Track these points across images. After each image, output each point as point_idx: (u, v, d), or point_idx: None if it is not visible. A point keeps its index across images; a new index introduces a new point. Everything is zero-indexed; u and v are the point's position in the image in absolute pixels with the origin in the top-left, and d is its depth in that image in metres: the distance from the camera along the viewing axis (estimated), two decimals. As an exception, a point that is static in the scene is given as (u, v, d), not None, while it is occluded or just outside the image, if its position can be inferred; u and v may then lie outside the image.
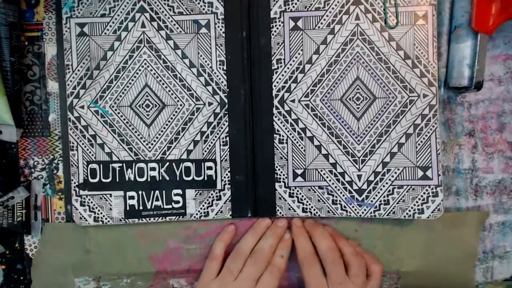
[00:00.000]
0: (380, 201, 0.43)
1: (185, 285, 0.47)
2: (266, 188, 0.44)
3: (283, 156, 0.44)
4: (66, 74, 0.44)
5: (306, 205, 0.44)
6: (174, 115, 0.44)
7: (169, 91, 0.44)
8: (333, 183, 0.44)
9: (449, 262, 0.46)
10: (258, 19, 0.43)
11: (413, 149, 0.43)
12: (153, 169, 0.44)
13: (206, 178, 0.44)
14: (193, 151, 0.44)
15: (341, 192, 0.44)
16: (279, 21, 0.43)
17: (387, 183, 0.43)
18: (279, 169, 0.44)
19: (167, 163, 0.44)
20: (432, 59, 0.42)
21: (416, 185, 0.43)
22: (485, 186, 0.46)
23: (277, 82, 0.44)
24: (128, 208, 0.44)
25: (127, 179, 0.44)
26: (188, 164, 0.44)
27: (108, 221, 0.44)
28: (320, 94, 0.43)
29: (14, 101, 0.43)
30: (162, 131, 0.44)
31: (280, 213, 0.44)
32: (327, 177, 0.44)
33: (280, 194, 0.44)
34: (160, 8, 0.43)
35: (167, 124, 0.44)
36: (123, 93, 0.44)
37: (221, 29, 0.43)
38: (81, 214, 0.44)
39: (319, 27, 0.43)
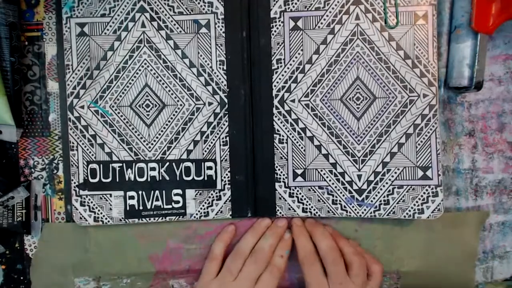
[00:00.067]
0: (380, 201, 0.43)
1: (185, 285, 0.47)
2: (266, 188, 0.44)
3: (283, 156, 0.44)
4: (66, 74, 0.44)
5: (306, 205, 0.44)
6: (174, 115, 0.44)
7: (169, 91, 0.44)
8: (333, 183, 0.44)
9: (449, 262, 0.45)
10: (258, 19, 0.43)
11: (413, 149, 0.43)
12: (153, 169, 0.44)
13: (206, 178, 0.44)
14: (193, 151, 0.44)
15: (341, 192, 0.44)
16: (279, 21, 0.43)
17: (387, 183, 0.43)
18: (279, 169, 0.44)
19: (167, 163, 0.44)
20: (432, 59, 0.42)
21: (416, 185, 0.43)
22: (485, 186, 0.46)
23: (277, 82, 0.44)
24: (128, 208, 0.44)
25: (127, 179, 0.44)
26: (188, 164, 0.44)
27: (108, 221, 0.44)
28: (320, 94, 0.43)
29: (14, 101, 0.43)
30: (162, 131, 0.44)
31: (280, 213, 0.44)
32: (327, 177, 0.44)
33: (280, 194, 0.44)
34: (160, 8, 0.43)
35: (167, 124, 0.44)
36: (123, 93, 0.44)
37: (221, 29, 0.43)
38: (81, 214, 0.44)
39: (319, 27, 0.43)
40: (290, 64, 0.43)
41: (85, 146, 0.44)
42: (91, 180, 0.44)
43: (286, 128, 0.44)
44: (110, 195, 0.44)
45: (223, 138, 0.44)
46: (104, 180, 0.44)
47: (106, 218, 0.44)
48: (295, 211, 0.44)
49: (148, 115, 0.44)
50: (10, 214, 0.45)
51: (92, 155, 0.44)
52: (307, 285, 0.42)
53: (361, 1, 0.43)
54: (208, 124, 0.44)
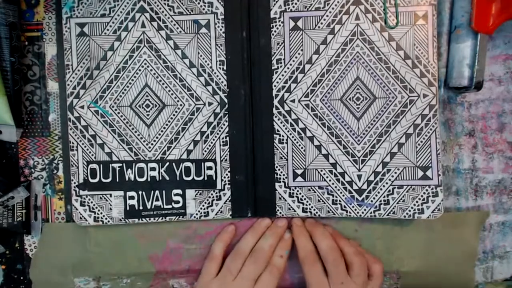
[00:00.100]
0: (380, 201, 0.43)
1: (185, 285, 0.47)
2: (266, 188, 0.44)
3: (283, 156, 0.44)
4: (66, 74, 0.44)
5: (306, 205, 0.44)
6: (174, 115, 0.44)
7: (169, 91, 0.44)
8: (333, 183, 0.44)
9: (449, 262, 0.45)
10: (258, 19, 0.43)
11: (413, 149, 0.43)
12: (153, 169, 0.44)
13: (206, 178, 0.44)
14: (193, 151, 0.44)
15: (341, 192, 0.44)
16: (279, 21, 0.43)
17: (387, 183, 0.43)
18: (279, 169, 0.44)
19: (167, 163, 0.44)
20: (432, 59, 0.42)
21: (416, 185, 0.43)
22: (485, 186, 0.46)
23: (277, 82, 0.44)
24: (128, 208, 0.44)
25: (127, 179, 0.44)
26: (188, 164, 0.44)
27: (108, 221, 0.44)
28: (320, 94, 0.43)
29: (14, 101, 0.43)
30: (162, 131, 0.44)
31: (280, 213, 0.44)
32: (327, 177, 0.44)
33: (280, 194, 0.44)
34: (160, 8, 0.43)
35: (167, 124, 0.44)
36: (123, 93, 0.44)
37: (221, 29, 0.43)
38: (81, 214, 0.44)
39: (319, 27, 0.43)
40: (290, 64, 0.43)
41: (85, 146, 0.44)
42: (91, 180, 0.44)
43: (286, 128, 0.44)
44: (110, 195, 0.44)
45: (223, 138, 0.44)
46: (104, 180, 0.44)
47: (106, 218, 0.44)
48: (295, 211, 0.44)
49: (148, 115, 0.44)
50: (10, 214, 0.45)
51: (92, 155, 0.44)
52: (308, 285, 0.42)
53: (361, 1, 0.43)
54: (208, 124, 0.44)
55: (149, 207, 0.44)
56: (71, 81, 0.44)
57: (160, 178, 0.44)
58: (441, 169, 0.43)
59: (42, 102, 0.46)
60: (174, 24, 0.44)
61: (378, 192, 0.43)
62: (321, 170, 0.44)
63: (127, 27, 0.44)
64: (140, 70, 0.44)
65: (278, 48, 0.43)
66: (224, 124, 0.44)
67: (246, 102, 0.44)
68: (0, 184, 0.44)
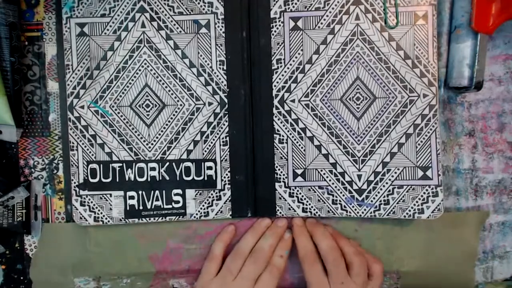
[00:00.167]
0: (380, 201, 0.43)
1: (185, 285, 0.47)
2: (266, 188, 0.44)
3: (283, 156, 0.44)
4: (66, 74, 0.44)
5: (306, 205, 0.44)
6: (174, 115, 0.44)
7: (169, 91, 0.44)
8: (333, 183, 0.44)
9: (449, 262, 0.45)
10: (258, 19, 0.43)
11: (413, 149, 0.43)
12: (153, 169, 0.44)
13: (206, 178, 0.44)
14: (193, 151, 0.44)
15: (341, 192, 0.44)
16: (279, 21, 0.43)
17: (387, 183, 0.43)
18: (279, 169, 0.44)
19: (167, 163, 0.44)
20: (432, 59, 0.42)
21: (416, 185, 0.43)
22: (485, 186, 0.46)
23: (277, 82, 0.44)
24: (128, 208, 0.44)
25: (127, 179, 0.44)
26: (188, 164, 0.44)
27: (108, 221, 0.44)
28: (320, 94, 0.43)
29: (14, 101, 0.43)
30: (162, 131, 0.44)
31: (280, 213, 0.44)
32: (327, 177, 0.44)
33: (280, 194, 0.44)
34: (160, 8, 0.43)
35: (167, 124, 0.44)
36: (123, 93, 0.44)
37: (221, 29, 0.43)
38: (81, 214, 0.44)
39: (319, 27, 0.43)
40: (290, 64, 0.43)
41: (85, 146, 0.44)
42: (91, 180, 0.44)
43: (286, 128, 0.44)
44: (110, 195, 0.44)
45: (223, 138, 0.44)
46: (104, 180, 0.44)
47: (106, 218, 0.44)
48: (295, 211, 0.44)
49: (148, 115, 0.44)
50: (10, 214, 0.45)
51: (92, 155, 0.44)
52: (308, 285, 0.42)
53: (361, 1, 0.43)
54: (208, 124, 0.44)
55: (149, 207, 0.44)
56: (71, 81, 0.44)
57: (160, 178, 0.44)
58: (441, 169, 0.43)
59: (42, 102, 0.46)
60: (174, 24, 0.44)
61: (378, 192, 0.43)
62: (321, 170, 0.44)
63: (127, 27, 0.44)
64: (140, 70, 0.44)
65: (278, 48, 0.43)
66: (224, 124, 0.44)
67: (246, 102, 0.44)
68: (0, 184, 0.44)
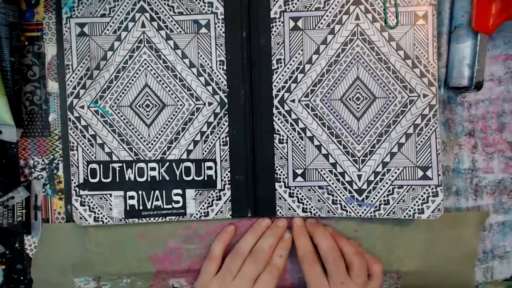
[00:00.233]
0: (380, 201, 0.43)
1: (185, 285, 0.47)
2: (266, 188, 0.44)
3: (283, 156, 0.44)
4: (66, 74, 0.44)
5: (306, 205, 0.44)
6: (174, 115, 0.44)
7: (169, 91, 0.44)
8: (333, 183, 0.44)
9: (449, 262, 0.46)
10: (258, 19, 0.43)
11: (413, 149, 0.43)
12: (153, 169, 0.44)
13: (206, 178, 0.44)
14: (193, 151, 0.44)
15: (341, 192, 0.44)
16: (279, 21, 0.43)
17: (387, 183, 0.43)
18: (279, 169, 0.44)
19: (167, 163, 0.44)
20: (432, 59, 0.42)
21: (416, 185, 0.43)
22: (485, 186, 0.46)
23: (277, 82, 0.44)
24: (128, 208, 0.44)
25: (127, 179, 0.44)
26: (188, 164, 0.44)
27: (108, 221, 0.44)
28: (320, 94, 0.43)
29: (14, 101, 0.43)
30: (162, 131, 0.44)
31: (280, 213, 0.44)
32: (327, 177, 0.44)
33: (280, 194, 0.44)
34: (160, 8, 0.43)
35: (167, 124, 0.44)
36: (123, 93, 0.44)
37: (221, 29, 0.43)
38: (81, 214, 0.44)
39: (319, 27, 0.43)
40: (290, 64, 0.43)
41: (85, 146, 0.44)
42: (91, 180, 0.44)
43: (286, 128, 0.44)
44: (110, 195, 0.44)
45: (223, 138, 0.44)
46: (104, 180, 0.44)
47: (106, 218, 0.44)
48: (295, 211, 0.44)
49: (148, 115, 0.44)
50: (10, 214, 0.45)
51: (92, 155, 0.44)
52: (308, 285, 0.42)
53: (361, 1, 0.43)
54: (208, 124, 0.44)
55: (149, 207, 0.44)
56: (71, 81, 0.44)
57: (160, 178, 0.44)
58: (441, 169, 0.43)
59: (42, 102, 0.46)
60: (174, 24, 0.44)
61: (378, 192, 0.43)
62: (321, 170, 0.44)
63: (127, 27, 0.44)
64: (140, 70, 0.44)
65: (278, 48, 0.43)
66: (224, 124, 0.44)
67: (246, 102, 0.44)
68: (0, 184, 0.44)
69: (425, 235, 0.45)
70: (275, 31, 0.43)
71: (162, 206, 0.44)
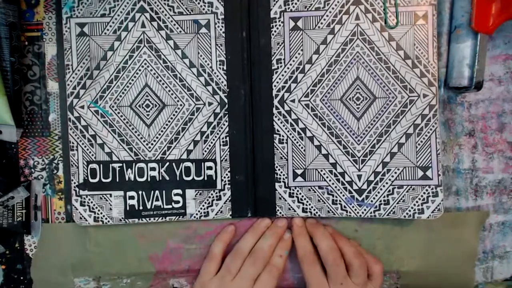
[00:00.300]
0: (380, 201, 0.43)
1: (185, 284, 0.47)
2: (266, 188, 0.44)
3: (283, 156, 0.44)
4: (66, 74, 0.44)
5: (306, 205, 0.44)
6: (174, 115, 0.44)
7: (169, 91, 0.44)
8: (333, 183, 0.44)
9: (449, 262, 0.46)
10: (258, 19, 0.43)
11: (413, 149, 0.43)
12: (153, 169, 0.44)
13: (206, 178, 0.44)
14: (193, 151, 0.44)
15: (341, 192, 0.44)
16: (279, 21, 0.43)
17: (387, 183, 0.43)
18: (279, 169, 0.44)
19: (167, 163, 0.44)
20: (432, 59, 0.42)
21: (416, 185, 0.43)
22: (485, 186, 0.46)
23: (277, 82, 0.44)
24: (128, 208, 0.44)
25: (127, 179, 0.44)
26: (188, 164, 0.44)
27: (108, 221, 0.44)
28: (320, 94, 0.43)
29: (14, 101, 0.43)
30: (162, 131, 0.44)
31: (280, 213, 0.44)
32: (327, 177, 0.44)
33: (280, 194, 0.44)
34: (160, 8, 0.43)
35: (167, 124, 0.44)
36: (123, 93, 0.44)
37: (221, 29, 0.43)
38: (81, 214, 0.44)
39: (319, 27, 0.43)
40: (290, 64, 0.43)
41: (85, 146, 0.44)
42: (91, 180, 0.44)
43: (286, 128, 0.44)
44: (110, 195, 0.44)
45: (223, 138, 0.44)
46: (104, 180, 0.44)
47: (106, 218, 0.44)
48: (295, 211, 0.44)
49: (148, 115, 0.44)
50: (10, 214, 0.45)
51: (92, 155, 0.44)
52: (308, 285, 0.42)
53: (361, 1, 0.43)
54: (208, 124, 0.44)
55: (149, 207, 0.44)
56: (71, 81, 0.44)
57: (160, 178, 0.44)
58: (441, 169, 0.43)
59: (42, 102, 0.46)
60: (174, 24, 0.44)
61: (378, 192, 0.43)
62: (321, 170, 0.44)
63: (127, 27, 0.44)
64: (140, 70, 0.44)
65: (278, 48, 0.43)
66: (224, 124, 0.44)
67: (246, 102, 0.44)
68: (0, 184, 0.44)
69: (425, 235, 0.45)
70: (275, 31, 0.43)
71: (162, 206, 0.44)
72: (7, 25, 0.43)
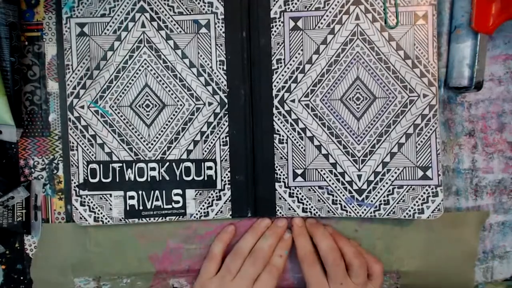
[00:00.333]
0: (380, 201, 0.43)
1: (185, 284, 0.47)
2: (266, 188, 0.44)
3: (283, 156, 0.44)
4: (66, 74, 0.44)
5: (306, 205, 0.44)
6: (174, 115, 0.44)
7: (169, 91, 0.44)
8: (333, 183, 0.44)
9: (449, 262, 0.45)
10: (258, 19, 0.43)
11: (413, 149, 0.43)
12: (153, 169, 0.44)
13: (206, 178, 0.44)
14: (193, 151, 0.44)
15: (341, 192, 0.44)
16: (279, 21, 0.43)
17: (387, 183, 0.43)
18: (279, 169, 0.44)
19: (167, 163, 0.44)
20: (432, 59, 0.42)
21: (416, 185, 0.43)
22: (485, 186, 0.46)
23: (277, 82, 0.44)
24: (128, 208, 0.44)
25: (127, 179, 0.44)
26: (188, 164, 0.44)
27: (108, 221, 0.44)
28: (320, 94, 0.43)
29: (14, 101, 0.43)
30: (162, 131, 0.44)
31: (280, 213, 0.44)
32: (327, 177, 0.44)
33: (280, 194, 0.44)
34: (160, 8, 0.43)
35: (167, 124, 0.44)
36: (123, 93, 0.44)
37: (221, 29, 0.43)
38: (81, 214, 0.44)
39: (319, 27, 0.43)
40: (290, 64, 0.43)
41: (85, 146, 0.44)
42: (91, 180, 0.44)
43: (286, 128, 0.44)
44: (110, 195, 0.44)
45: (223, 138, 0.44)
46: (104, 180, 0.44)
47: (106, 218, 0.44)
48: (295, 211, 0.44)
49: (148, 115, 0.44)
50: (10, 214, 0.45)
51: (92, 155, 0.44)
52: (308, 285, 0.42)
53: (361, 1, 0.43)
54: (208, 124, 0.44)
55: (149, 207, 0.44)
56: (71, 81, 0.44)
57: (160, 178, 0.44)
58: (441, 169, 0.43)
59: (42, 102, 0.46)
60: (174, 24, 0.44)
61: (378, 192, 0.43)
62: (321, 170, 0.44)
63: (127, 27, 0.44)
64: (140, 70, 0.44)
65: (278, 48, 0.43)
66: (224, 124, 0.44)
67: (246, 102, 0.44)
68: (0, 184, 0.44)
69: (425, 235, 0.45)
70: (275, 31, 0.43)
71: (162, 206, 0.44)
72: (7, 25, 0.43)
